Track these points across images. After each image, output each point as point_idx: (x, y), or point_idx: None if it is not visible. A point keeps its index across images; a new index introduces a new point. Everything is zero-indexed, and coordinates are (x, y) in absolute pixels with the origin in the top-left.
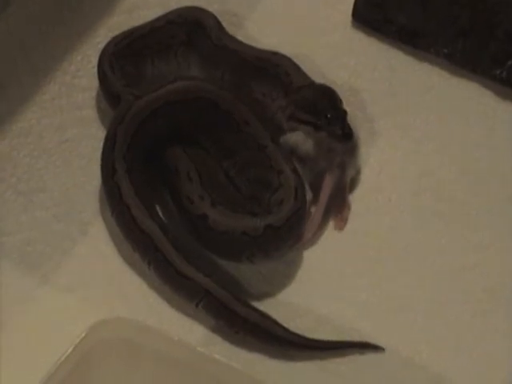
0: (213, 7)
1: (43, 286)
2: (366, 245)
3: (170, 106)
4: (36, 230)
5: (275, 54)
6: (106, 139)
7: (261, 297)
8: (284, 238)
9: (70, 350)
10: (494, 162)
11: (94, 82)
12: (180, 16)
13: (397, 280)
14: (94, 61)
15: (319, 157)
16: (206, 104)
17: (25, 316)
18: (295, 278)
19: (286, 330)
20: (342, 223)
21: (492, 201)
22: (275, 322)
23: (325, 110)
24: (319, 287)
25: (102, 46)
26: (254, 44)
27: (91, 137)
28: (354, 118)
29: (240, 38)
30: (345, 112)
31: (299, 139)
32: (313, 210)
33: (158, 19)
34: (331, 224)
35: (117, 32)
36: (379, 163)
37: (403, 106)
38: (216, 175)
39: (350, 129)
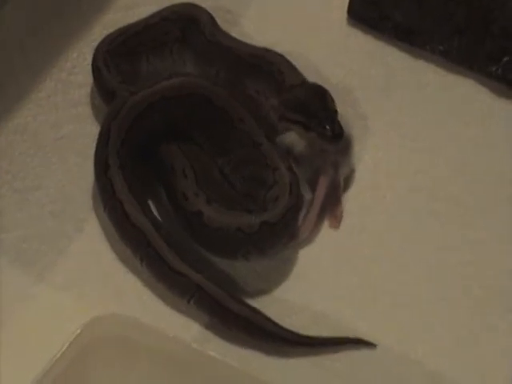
0: (207, 4)
1: (39, 284)
2: (361, 242)
3: (165, 102)
4: (32, 227)
5: (268, 51)
6: (100, 134)
7: (256, 294)
8: (279, 234)
9: (65, 347)
10: (489, 160)
11: (90, 79)
12: (174, 13)
13: (392, 277)
14: (90, 58)
15: (313, 156)
16: (201, 100)
17: (20, 313)
18: (291, 276)
19: (278, 326)
20: (336, 222)
21: (488, 198)
22: (267, 318)
23: (315, 110)
24: (315, 285)
25: (97, 43)
26: (248, 41)
27: (87, 134)
28: (349, 115)
29: (234, 35)
30: (335, 112)
31: (294, 139)
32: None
33: (152, 16)
34: (327, 222)
35: (112, 29)
36: (374, 161)
37: (399, 104)
38: (211, 172)
39: (340, 129)
